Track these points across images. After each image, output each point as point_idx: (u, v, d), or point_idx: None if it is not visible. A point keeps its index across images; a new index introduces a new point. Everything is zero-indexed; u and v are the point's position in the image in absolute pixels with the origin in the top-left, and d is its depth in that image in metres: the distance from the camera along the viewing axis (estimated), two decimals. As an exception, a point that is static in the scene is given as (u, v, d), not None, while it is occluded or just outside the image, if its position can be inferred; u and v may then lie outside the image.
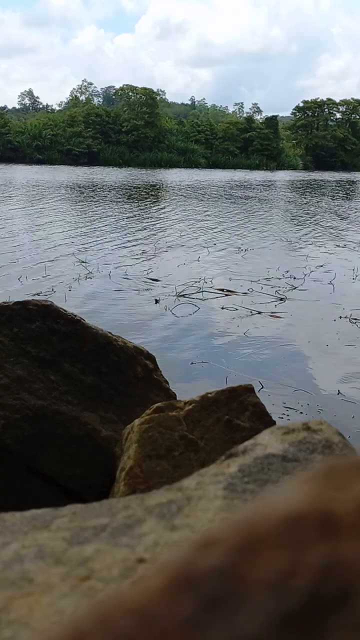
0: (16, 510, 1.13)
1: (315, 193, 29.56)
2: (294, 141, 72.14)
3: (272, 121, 68.53)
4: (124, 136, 62.66)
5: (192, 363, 5.22)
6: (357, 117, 74.79)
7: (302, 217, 18.16)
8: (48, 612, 0.81)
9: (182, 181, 35.59)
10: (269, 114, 70.88)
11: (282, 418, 4.08)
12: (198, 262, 9.95)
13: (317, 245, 12.38)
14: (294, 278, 8.76)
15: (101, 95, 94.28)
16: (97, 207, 18.90)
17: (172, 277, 8.61)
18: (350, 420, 4.21)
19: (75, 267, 9.14)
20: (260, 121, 70.04)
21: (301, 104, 75.31)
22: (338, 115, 75.83)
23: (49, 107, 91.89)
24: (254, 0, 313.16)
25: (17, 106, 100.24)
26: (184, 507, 1.05)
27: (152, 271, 9.03)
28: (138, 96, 65.73)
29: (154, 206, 20.08)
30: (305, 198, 26.14)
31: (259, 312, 6.91)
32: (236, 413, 2.18)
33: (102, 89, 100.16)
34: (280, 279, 8.71)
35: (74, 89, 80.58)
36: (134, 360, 2.62)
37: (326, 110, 75.17)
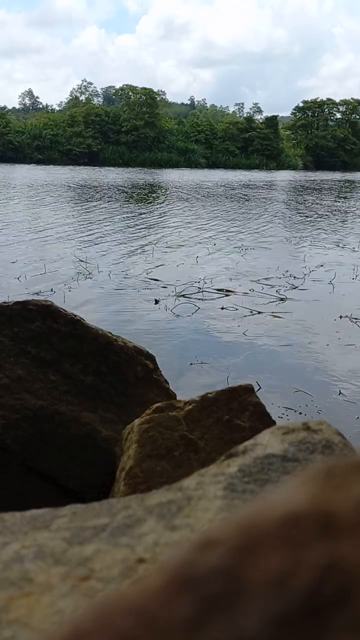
0: (16, 510, 1.13)
1: (315, 193, 29.57)
2: (294, 141, 72.13)
3: (272, 121, 68.53)
4: (123, 136, 62.65)
5: (192, 363, 5.22)
6: (357, 117, 74.81)
7: (302, 217, 18.16)
8: (48, 612, 0.81)
9: (182, 181, 35.59)
10: (270, 114, 70.97)
11: (282, 418, 4.08)
12: (198, 261, 9.95)
13: (317, 245, 12.38)
14: (294, 278, 8.76)
15: (101, 95, 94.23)
16: (96, 206, 18.90)
17: (172, 277, 8.61)
18: (350, 420, 4.21)
19: (75, 266, 9.14)
20: (261, 121, 70.03)
21: (301, 104, 75.35)
22: (338, 115, 75.91)
23: (49, 107, 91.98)
24: (257, 2, 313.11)
25: (18, 106, 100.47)
26: (184, 507, 1.05)
27: (152, 271, 9.03)
28: (138, 96, 65.73)
29: (153, 206, 20.08)
30: (305, 198, 26.14)
31: (259, 312, 6.91)
32: (236, 413, 2.18)
33: (102, 89, 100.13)
34: (280, 278, 8.71)
35: (74, 89, 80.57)
36: (133, 360, 2.62)
37: (326, 110, 75.19)
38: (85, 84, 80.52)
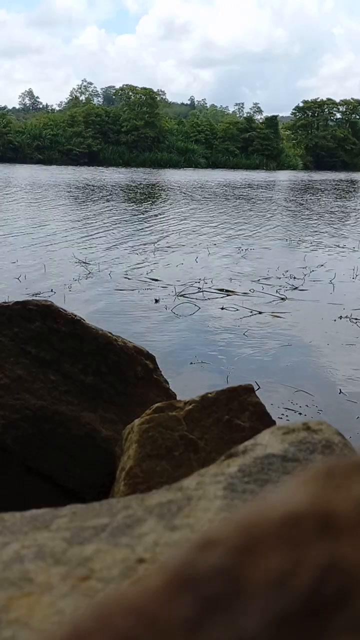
0: (16, 510, 1.13)
1: (315, 193, 29.56)
2: (294, 141, 72.10)
3: (272, 121, 68.50)
4: (123, 136, 62.64)
5: (192, 363, 5.22)
6: (357, 117, 74.78)
7: (302, 217, 18.16)
8: (48, 612, 0.81)
9: (182, 181, 35.60)
10: (270, 114, 70.93)
11: (282, 418, 4.08)
12: (198, 261, 9.96)
13: (317, 245, 12.38)
14: (294, 278, 8.76)
15: (101, 95, 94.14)
16: (96, 207, 18.91)
17: (172, 277, 8.61)
18: (350, 420, 4.21)
19: (75, 267, 9.14)
20: (261, 121, 70.00)
21: (301, 104, 75.35)
22: (338, 115, 75.87)
23: (49, 107, 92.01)
24: (257, 2, 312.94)
25: (18, 106, 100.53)
26: (184, 507, 1.05)
27: (152, 271, 9.03)
28: (138, 96, 65.71)
29: (153, 206, 20.08)
30: (305, 198, 26.15)
31: (259, 312, 6.91)
32: (236, 413, 2.18)
33: (102, 89, 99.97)
34: (280, 278, 8.71)
35: (74, 89, 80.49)
36: (133, 360, 2.62)
37: (326, 110, 75.17)
38: (85, 84, 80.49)
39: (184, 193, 26.39)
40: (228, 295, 7.71)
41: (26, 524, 1.06)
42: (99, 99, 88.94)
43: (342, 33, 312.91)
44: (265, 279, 8.66)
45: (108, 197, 22.83)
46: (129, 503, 1.08)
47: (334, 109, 75.27)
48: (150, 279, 8.52)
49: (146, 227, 14.33)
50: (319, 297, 7.73)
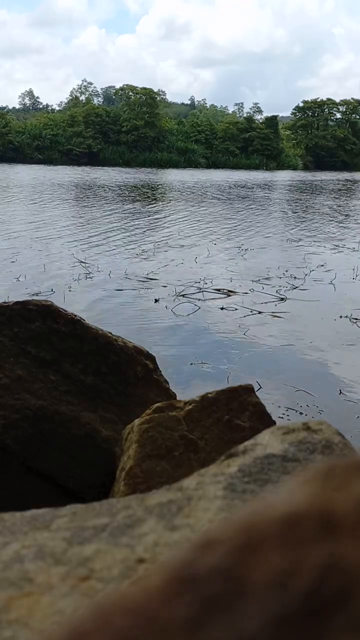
0: (16, 510, 1.13)
1: (315, 193, 29.56)
2: (294, 141, 72.08)
3: (272, 121, 68.48)
4: (123, 136, 62.63)
5: (192, 363, 5.22)
6: (357, 117, 74.76)
7: (302, 216, 18.16)
8: (48, 612, 0.81)
9: (182, 181, 35.59)
10: (270, 114, 70.91)
11: (282, 418, 4.08)
12: (198, 261, 9.95)
13: (317, 244, 12.38)
14: (295, 278, 8.76)
15: (101, 95, 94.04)
16: (96, 207, 18.90)
17: (172, 277, 8.61)
18: (350, 420, 4.21)
19: (75, 267, 9.14)
20: (261, 121, 69.99)
21: (301, 104, 75.35)
22: (338, 115, 75.85)
23: (49, 107, 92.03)
24: (257, 2, 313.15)
25: (18, 106, 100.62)
26: (184, 507, 1.05)
27: (152, 271, 9.03)
28: (138, 96, 65.70)
29: (153, 206, 20.08)
30: (305, 198, 26.14)
31: (259, 312, 6.91)
32: (236, 413, 2.18)
33: (102, 89, 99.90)
34: (280, 278, 8.71)
35: (74, 89, 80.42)
36: (133, 360, 2.61)
37: (326, 110, 75.16)
38: (85, 84, 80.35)
39: (184, 193, 26.39)
40: (228, 295, 7.71)
41: (26, 524, 1.06)
42: (99, 99, 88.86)
43: (342, 33, 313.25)
44: (265, 278, 8.66)
45: (108, 197, 22.82)
46: (129, 503, 1.08)
47: (334, 109, 75.24)
48: (150, 279, 8.52)
49: (146, 227, 14.33)
50: (319, 297, 7.73)
